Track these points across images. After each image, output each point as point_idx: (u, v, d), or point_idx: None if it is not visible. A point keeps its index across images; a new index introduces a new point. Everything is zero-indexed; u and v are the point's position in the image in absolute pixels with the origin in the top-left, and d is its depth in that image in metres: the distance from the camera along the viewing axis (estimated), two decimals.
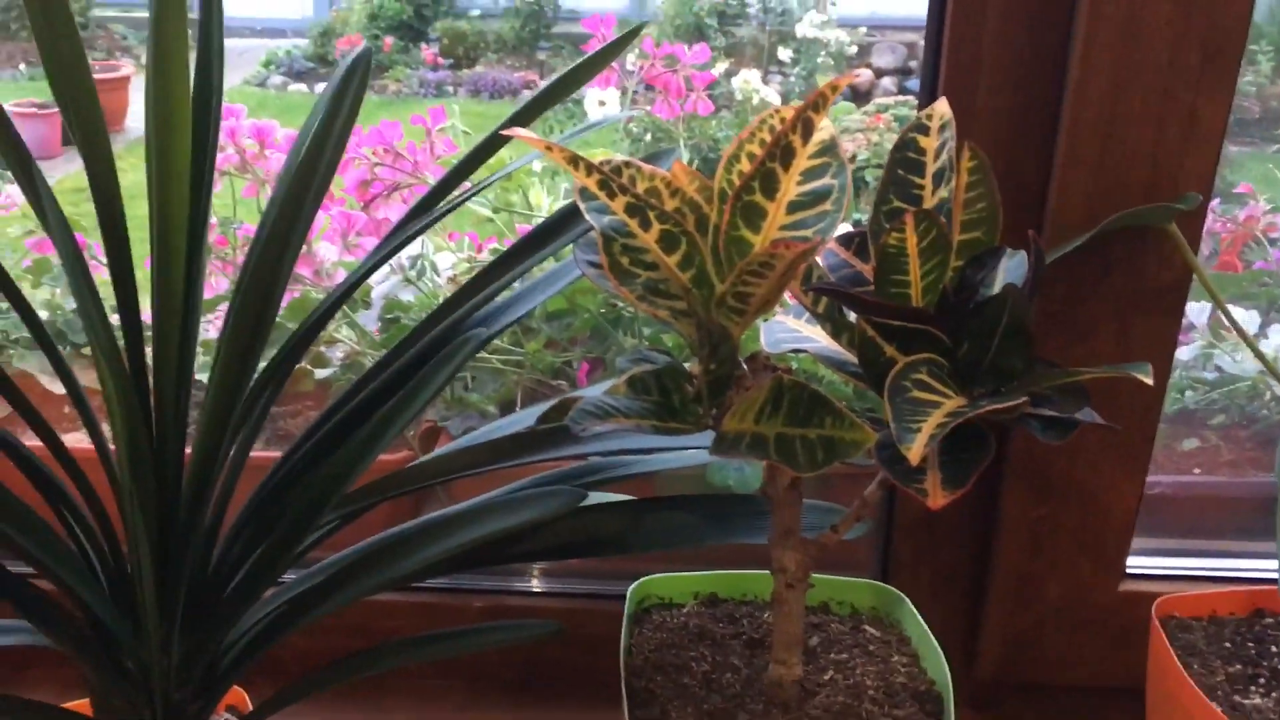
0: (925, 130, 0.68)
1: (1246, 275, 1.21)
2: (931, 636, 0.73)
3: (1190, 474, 1.06)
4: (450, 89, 5.95)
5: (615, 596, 0.94)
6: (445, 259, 1.03)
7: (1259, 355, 0.81)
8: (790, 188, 0.61)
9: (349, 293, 0.66)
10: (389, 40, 6.23)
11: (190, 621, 0.65)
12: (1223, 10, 0.70)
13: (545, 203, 1.03)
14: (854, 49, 5.79)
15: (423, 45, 6.28)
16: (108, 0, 6.27)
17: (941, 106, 0.68)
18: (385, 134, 1.00)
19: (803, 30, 5.72)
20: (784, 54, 5.70)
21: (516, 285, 0.75)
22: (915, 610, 0.76)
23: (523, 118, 0.72)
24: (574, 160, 0.59)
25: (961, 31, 0.77)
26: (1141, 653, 0.86)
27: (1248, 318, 1.07)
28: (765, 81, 4.83)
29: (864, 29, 6.11)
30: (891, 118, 4.26)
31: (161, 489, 0.64)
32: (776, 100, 4.63)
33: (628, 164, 0.65)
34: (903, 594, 0.78)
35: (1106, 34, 0.72)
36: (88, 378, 1.09)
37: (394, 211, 0.99)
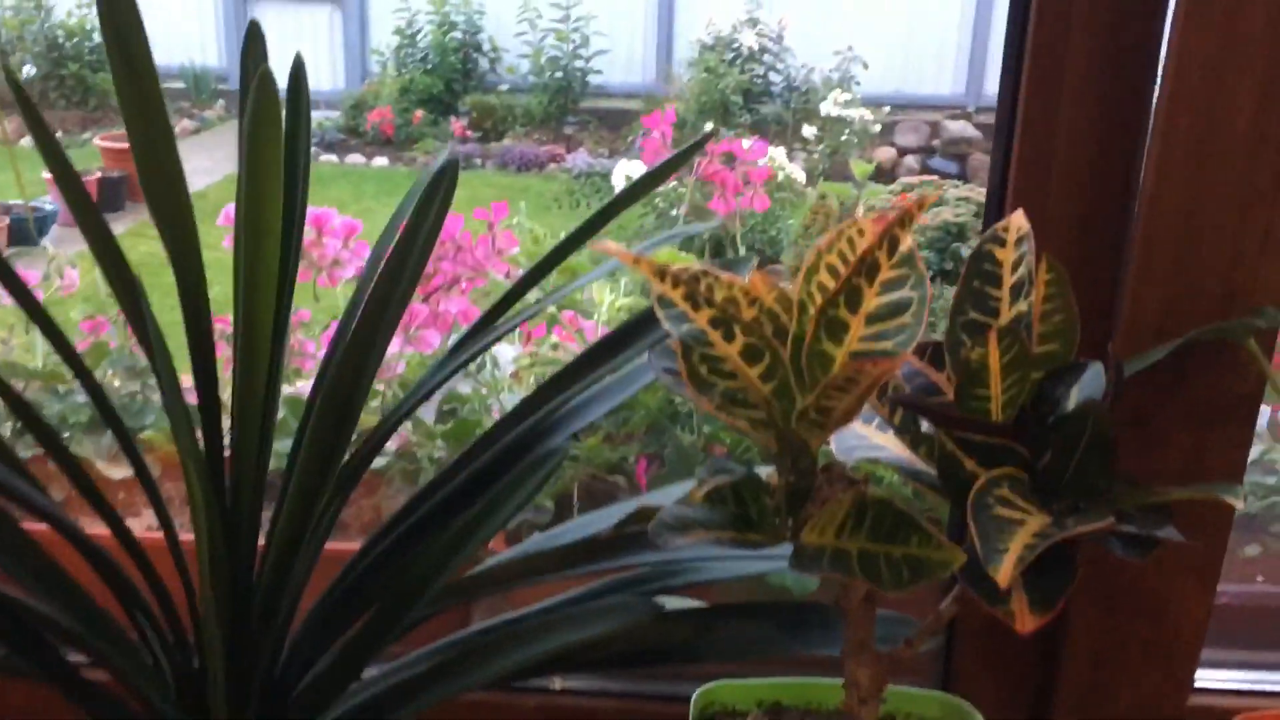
0: (1002, 242, 0.68)
1: None
2: None
3: (1254, 582, 1.05)
4: (479, 161, 6.04)
5: (673, 698, 0.93)
6: (503, 351, 1.03)
7: None
8: (872, 301, 0.61)
9: (427, 396, 0.66)
10: (419, 113, 6.34)
11: None
12: None
13: (607, 299, 1.03)
14: (878, 127, 5.86)
15: (452, 118, 6.39)
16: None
17: (1019, 219, 0.68)
18: (447, 226, 1.01)
19: (826, 108, 5.79)
20: (808, 131, 5.76)
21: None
22: None
23: (602, 219, 0.73)
24: (660, 273, 0.59)
25: (1032, 137, 0.77)
26: None
27: None
28: (790, 158, 4.88)
29: (887, 108, 6.18)
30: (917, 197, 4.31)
31: (236, 584, 0.64)
32: (802, 177, 4.67)
33: (705, 272, 0.65)
34: (971, 707, 0.77)
35: (1181, 148, 0.72)
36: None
37: (454, 305, 1.00)
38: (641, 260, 0.59)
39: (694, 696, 0.77)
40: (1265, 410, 1.07)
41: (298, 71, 0.67)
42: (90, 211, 0.59)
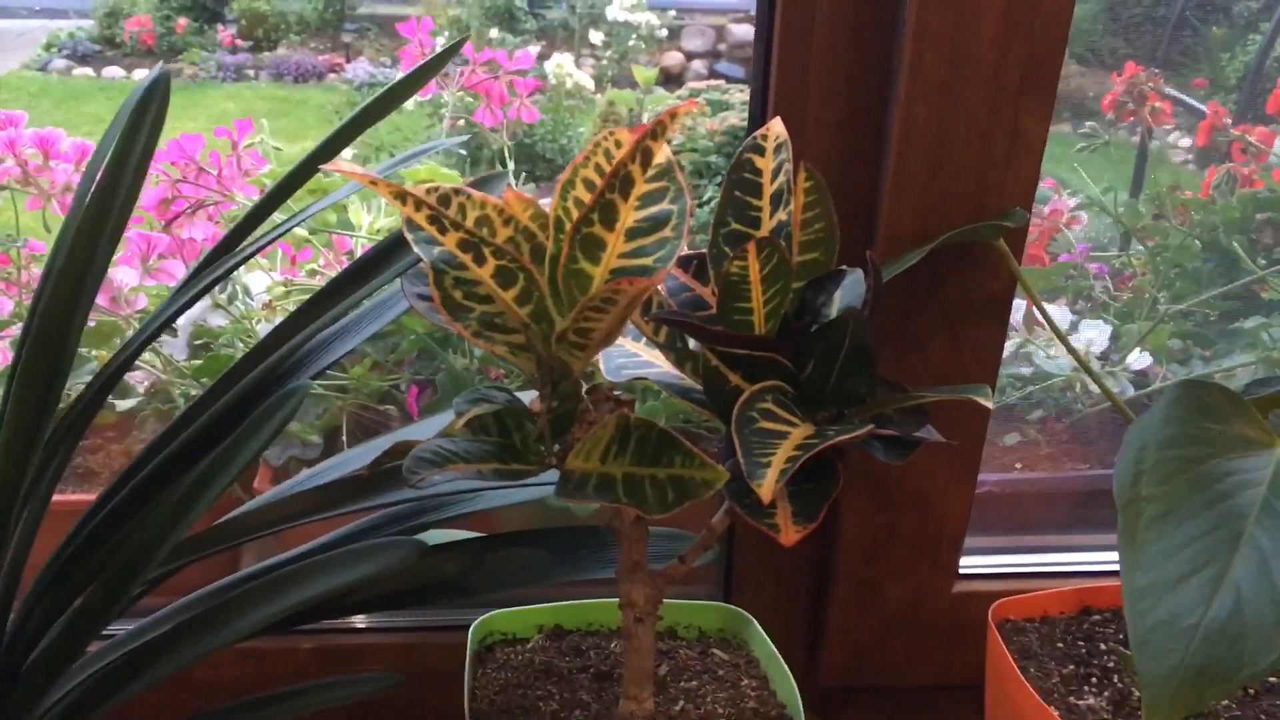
0: (761, 151, 0.67)
1: (1054, 268, 1.26)
2: (780, 658, 0.73)
3: (1013, 469, 1.10)
4: (251, 72, 5.69)
5: (454, 627, 0.91)
6: (258, 279, 0.97)
7: (1074, 353, 0.83)
8: (629, 216, 0.59)
9: (160, 331, 0.61)
10: (182, 22, 5.90)
11: None
12: (1043, 27, 0.71)
13: (365, 220, 0.98)
14: (664, 32, 5.83)
15: (219, 26, 5.99)
16: None
17: (777, 127, 0.66)
18: (187, 147, 0.93)
19: (613, 13, 5.70)
20: (595, 37, 5.68)
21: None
22: (763, 631, 0.76)
23: (343, 137, 0.68)
24: (401, 196, 0.55)
25: (790, 45, 0.76)
26: (977, 651, 0.88)
27: (1060, 314, 1.11)
28: (578, 65, 4.81)
29: (673, 12, 6.14)
30: (704, 102, 4.31)
31: None
32: (589, 84, 4.61)
33: (457, 191, 0.61)
34: (749, 615, 0.78)
35: (931, 53, 0.72)
36: None
37: (199, 231, 0.93)
38: (380, 182, 0.55)
39: (471, 628, 0.76)
40: (1020, 305, 1.11)
41: None
42: None
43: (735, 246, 0.66)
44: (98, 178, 0.56)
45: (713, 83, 4.95)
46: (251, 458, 0.54)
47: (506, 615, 0.77)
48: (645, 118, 2.90)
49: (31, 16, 6.10)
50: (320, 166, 0.57)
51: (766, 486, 0.56)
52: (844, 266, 0.66)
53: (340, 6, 6.06)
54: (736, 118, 4.16)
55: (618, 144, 0.64)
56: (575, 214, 0.62)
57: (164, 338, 0.92)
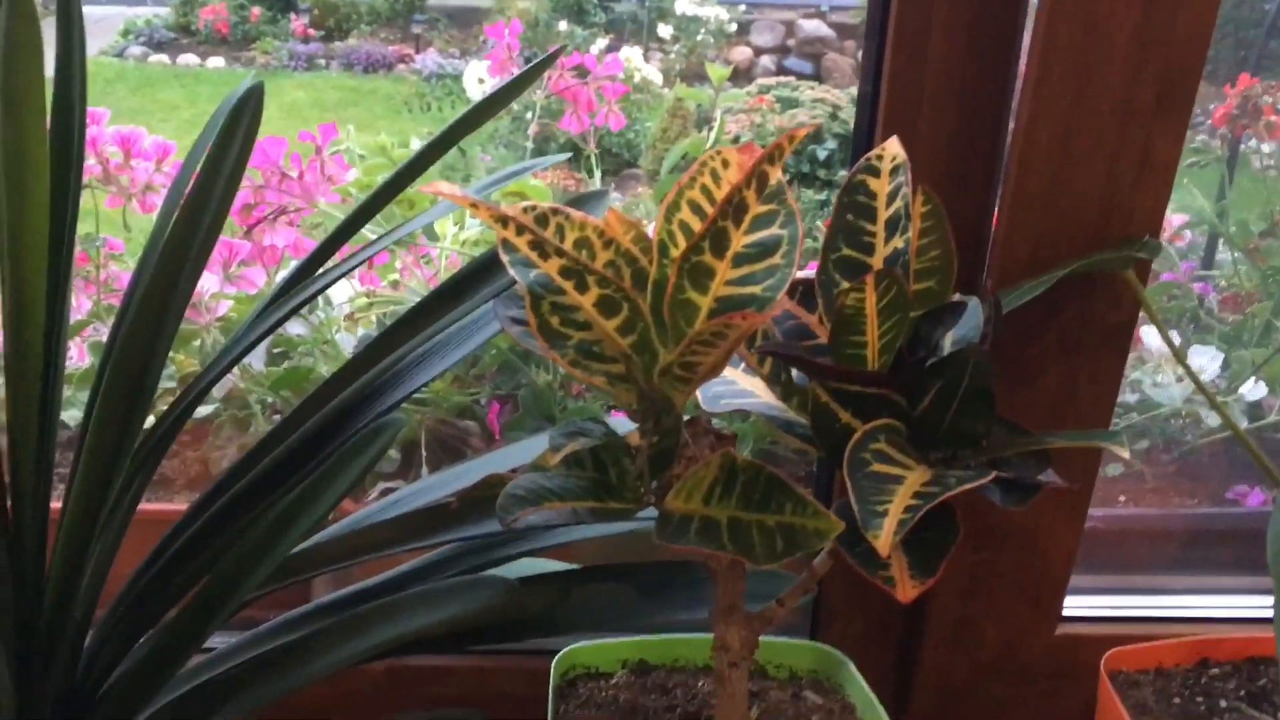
0: (876, 172, 0.63)
1: (1157, 288, 1.20)
2: (879, 707, 0.69)
3: (1117, 502, 1.05)
4: (322, 62, 5.72)
5: (531, 652, 0.88)
6: (338, 288, 0.95)
7: (1200, 386, 0.78)
8: (739, 241, 0.56)
9: (251, 348, 0.58)
10: (256, 11, 5.96)
11: None
12: (1181, 41, 0.66)
13: (450, 230, 0.95)
14: (733, 27, 5.77)
15: (292, 16, 6.03)
16: None
17: (894, 147, 0.62)
18: (270, 151, 0.91)
19: (682, 7, 5.66)
20: (664, 31, 5.64)
21: None
22: (858, 674, 0.72)
23: (438, 148, 0.65)
24: (502, 220, 0.52)
25: (903, 55, 0.72)
26: (1079, 698, 0.84)
27: (1159, 339, 1.05)
28: (646, 59, 4.78)
29: (743, 7, 6.09)
30: (774, 99, 4.26)
31: (24, 576, 0.56)
32: (658, 79, 4.57)
33: (555, 211, 0.58)
34: (845, 657, 0.74)
35: (1060, 64, 0.68)
36: None
37: (280, 237, 0.91)
38: (480, 205, 0.52)
39: (555, 661, 0.73)
40: None
41: None
42: None
43: (846, 272, 0.63)
44: (189, 188, 0.54)
45: (782, 79, 4.89)
46: (341, 495, 0.51)
47: (590, 649, 0.74)
48: (718, 115, 2.86)
49: (109, 3, 6.19)
50: (420, 189, 0.54)
51: (884, 539, 0.52)
52: (959, 297, 0.62)
53: None
54: (805, 115, 4.10)
55: (724, 164, 0.60)
56: (680, 237, 0.58)
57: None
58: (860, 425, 0.58)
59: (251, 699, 0.55)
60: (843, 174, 3.49)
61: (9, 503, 0.55)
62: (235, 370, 0.93)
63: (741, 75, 5.65)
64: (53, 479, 0.59)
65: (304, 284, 0.64)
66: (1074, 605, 0.87)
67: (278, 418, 0.96)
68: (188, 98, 5.02)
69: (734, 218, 0.54)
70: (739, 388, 0.67)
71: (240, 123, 0.54)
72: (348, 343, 0.91)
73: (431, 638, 0.61)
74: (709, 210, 0.58)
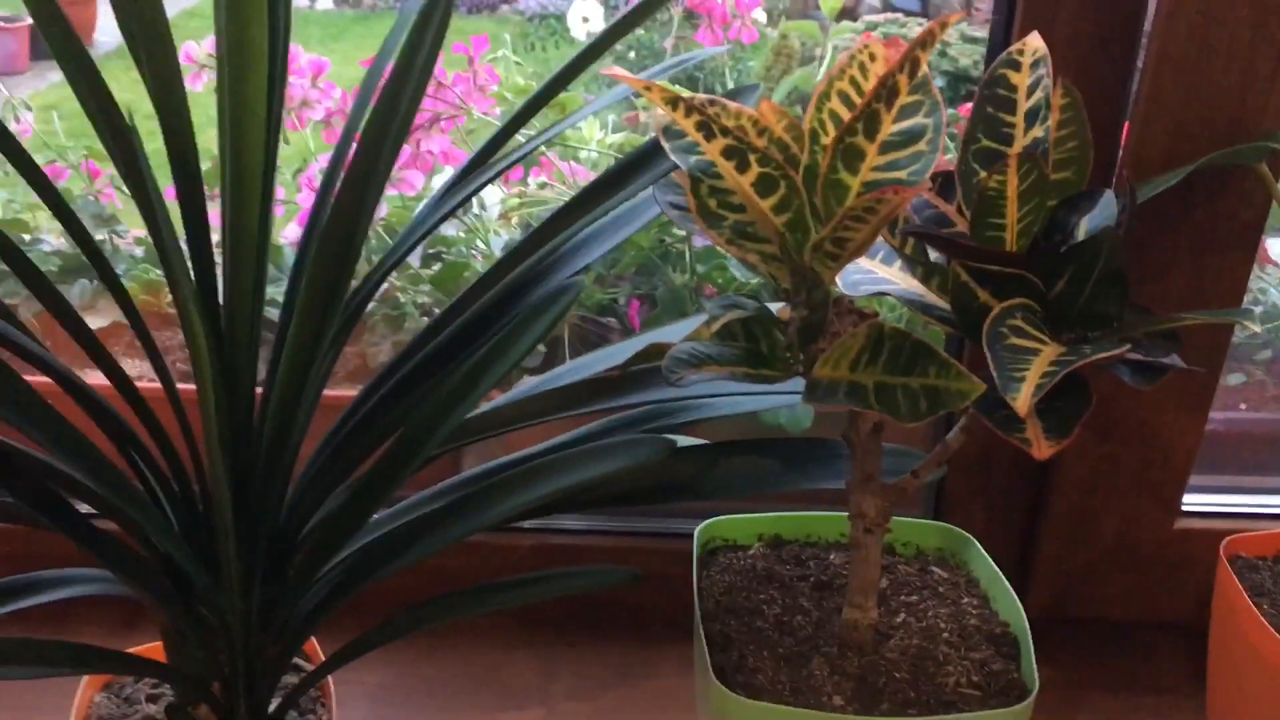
0: (1017, 66, 0.66)
1: None
2: (1003, 579, 0.73)
3: (1238, 408, 1.06)
4: None
5: (664, 534, 0.94)
6: (490, 192, 1.00)
7: None
8: (888, 128, 0.60)
9: (422, 239, 0.64)
10: None
11: (270, 567, 0.64)
12: None
13: (596, 135, 1.00)
14: None
15: None
16: None
17: (1035, 41, 0.65)
18: None
19: None
20: None
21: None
22: (984, 552, 0.76)
23: (591, 54, 0.69)
24: (673, 101, 0.57)
25: None
26: (1195, 590, 0.87)
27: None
28: None
29: None
30: (880, 35, 4.22)
31: (238, 428, 0.63)
32: (762, 17, 4.55)
33: (712, 101, 0.62)
34: (970, 536, 0.78)
35: None
36: (114, 313, 1.07)
37: (435, 144, 0.96)
38: (654, 87, 0.57)
39: (697, 531, 0.78)
40: None
41: None
42: (71, 41, 0.55)
43: (985, 163, 0.66)
44: (381, 85, 0.59)
45: (890, 15, 4.82)
46: (534, 343, 0.57)
47: (729, 522, 0.79)
48: (829, 49, 2.85)
49: None
50: (601, 71, 0.59)
51: (1023, 400, 0.56)
52: (1094, 187, 0.65)
53: None
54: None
55: (872, 56, 0.64)
56: (830, 125, 0.62)
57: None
58: (998, 304, 0.62)
59: (434, 542, 0.62)
60: (951, 111, 3.45)
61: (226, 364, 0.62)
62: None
63: (846, 14, 5.57)
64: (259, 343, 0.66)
65: (465, 184, 0.69)
66: (1193, 502, 0.89)
67: (425, 320, 1.02)
68: (297, 39, 5.13)
69: (886, 100, 0.58)
70: (877, 275, 0.71)
71: (431, 20, 0.60)
72: (499, 243, 0.97)
73: (593, 494, 0.67)
74: (857, 100, 0.62)
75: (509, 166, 0.69)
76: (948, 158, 0.69)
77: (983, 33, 4.45)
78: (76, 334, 0.65)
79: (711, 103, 0.62)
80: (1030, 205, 0.62)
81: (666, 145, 0.61)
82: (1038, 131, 0.65)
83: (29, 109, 1.11)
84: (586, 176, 1.00)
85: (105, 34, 4.52)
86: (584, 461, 0.63)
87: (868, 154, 0.59)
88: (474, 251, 0.97)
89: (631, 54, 3.91)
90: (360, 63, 1.04)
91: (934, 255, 0.67)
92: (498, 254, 0.96)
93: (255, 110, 0.58)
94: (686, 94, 0.59)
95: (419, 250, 0.97)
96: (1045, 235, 0.65)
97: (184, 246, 0.63)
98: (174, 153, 0.61)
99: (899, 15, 4.86)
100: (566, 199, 0.73)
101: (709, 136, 0.58)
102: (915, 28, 4.62)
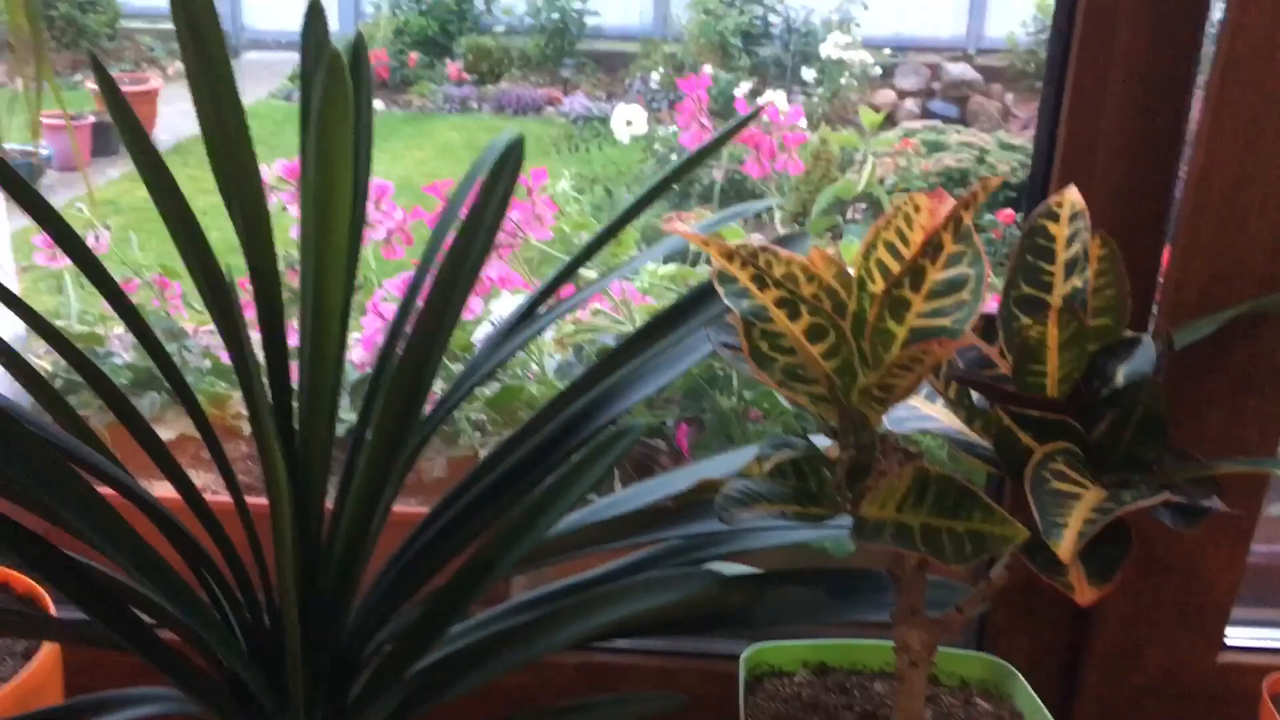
0: (1055, 217, 0.69)
1: None
2: (1047, 712, 0.74)
3: None
4: (474, 104, 5.98)
5: (710, 655, 0.95)
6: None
7: None
8: (932, 278, 0.63)
9: (489, 375, 0.68)
10: (414, 56, 6.27)
11: (334, 686, 0.66)
12: None
13: (650, 266, 1.04)
14: (878, 70, 5.81)
15: (447, 60, 6.31)
16: (136, 11, 6.31)
17: (1073, 195, 0.69)
18: None
19: (826, 51, 5.73)
20: (807, 73, 5.71)
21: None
22: (1029, 686, 0.77)
23: (652, 196, 0.74)
24: (729, 255, 0.60)
25: (1081, 108, 0.78)
26: None
27: None
28: (789, 102, 4.87)
29: (888, 50, 6.12)
30: (919, 142, 4.28)
31: (309, 546, 0.66)
32: (802, 121, 4.63)
33: (764, 249, 0.66)
34: (1014, 668, 0.79)
35: (1232, 121, 0.73)
36: (182, 425, 1.11)
37: (493, 270, 1.01)
38: (712, 242, 0.60)
39: (743, 657, 0.80)
40: None
41: (358, 46, 0.67)
42: (159, 168, 0.59)
43: (1026, 309, 0.69)
44: (463, 220, 0.63)
45: (927, 123, 4.91)
46: (590, 485, 0.59)
47: (774, 649, 0.81)
48: (869, 159, 2.92)
49: (279, 49, 6.59)
50: (663, 226, 0.62)
51: (1065, 548, 0.58)
52: (1131, 333, 0.68)
53: (561, 43, 6.31)
54: (951, 159, 4.11)
55: (916, 208, 0.67)
56: (877, 274, 0.65)
57: (456, 364, 1.01)
58: (1040, 447, 0.64)
59: (499, 666, 0.64)
60: (989, 216, 3.49)
61: (299, 489, 0.65)
62: (440, 385, 1.04)
63: (886, 118, 5.67)
64: (330, 463, 0.69)
65: (531, 315, 0.73)
66: (1236, 636, 0.90)
67: (479, 434, 1.06)
68: None
69: (931, 256, 0.61)
70: (921, 413, 0.74)
71: (504, 169, 0.64)
72: (552, 365, 1.01)
73: (645, 623, 0.69)
74: (902, 250, 0.65)
75: (577, 303, 0.73)
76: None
77: (1020, 140, 4.49)
78: (149, 447, 0.69)
79: (764, 250, 0.66)
80: (1071, 354, 0.65)
81: (721, 290, 0.64)
82: (1076, 281, 0.68)
83: (108, 228, 1.16)
84: (638, 298, 1.04)
85: (165, 130, 4.69)
86: (639, 593, 0.65)
87: (913, 304, 0.62)
88: (528, 374, 1.01)
89: (673, 155, 4.00)
90: (423, 187, 1.10)
91: (977, 397, 0.69)
92: (552, 375, 1.00)
93: (338, 256, 0.62)
94: (741, 247, 0.62)
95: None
96: (1086, 381, 0.67)
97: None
98: (259, 288, 0.65)
99: (937, 122, 4.92)
100: (619, 322, 0.76)
101: (762, 287, 0.61)
102: (953, 135, 4.68)
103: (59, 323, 1.18)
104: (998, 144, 4.41)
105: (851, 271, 0.66)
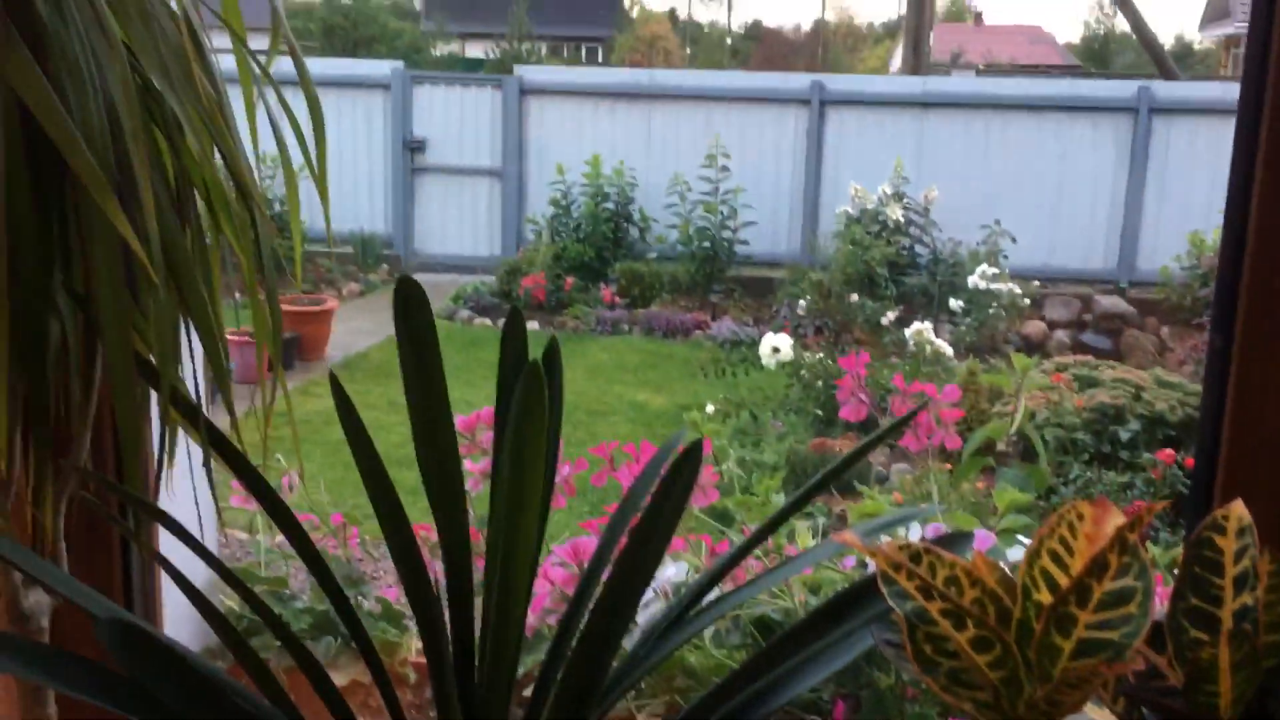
0: (1222, 531, 0.70)
1: None
2: None
3: None
4: (625, 327, 6.18)
5: None
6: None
7: None
8: (1099, 592, 0.64)
9: (669, 655, 0.70)
10: (570, 280, 6.56)
11: None
12: None
13: (810, 541, 1.07)
14: (1026, 301, 5.80)
15: (602, 284, 6.58)
16: (317, 234, 6.84)
17: (1239, 510, 0.69)
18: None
19: (974, 281, 5.77)
20: (955, 303, 5.74)
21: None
22: None
23: (823, 484, 0.77)
24: (896, 566, 0.63)
25: (1244, 415, 0.79)
26: None
27: None
28: (937, 332, 4.86)
29: (1036, 281, 6.12)
30: (1071, 377, 4.24)
31: None
32: (948, 351, 4.62)
33: (927, 550, 0.68)
34: None
35: None
36: (355, 671, 1.16)
37: None
38: (878, 554, 0.63)
39: None
40: None
41: (551, 351, 0.74)
42: (357, 427, 0.65)
43: (1195, 621, 0.69)
44: (639, 515, 0.68)
45: (1080, 357, 4.85)
46: None
47: None
48: (1021, 400, 2.92)
49: (444, 271, 7.00)
50: (833, 537, 0.66)
51: None
52: None
53: (711, 270, 6.53)
54: (1106, 395, 4.04)
55: (1080, 516, 0.69)
56: (1041, 582, 0.67)
57: None
58: None
59: None
60: (1147, 455, 3.38)
61: None
62: None
63: (1035, 348, 5.63)
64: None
65: (700, 604, 0.76)
66: None
67: (632, 693, 1.08)
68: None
69: (1097, 575, 0.62)
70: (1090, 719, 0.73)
71: (680, 474, 0.69)
72: (709, 632, 1.03)
73: None
74: (1066, 559, 0.67)
75: (753, 593, 0.76)
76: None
77: (1177, 377, 4.38)
78: (325, 694, 0.73)
79: (928, 551, 0.68)
80: (1244, 674, 0.64)
81: (885, 591, 0.66)
82: (1246, 599, 0.68)
83: (301, 479, 1.25)
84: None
85: (335, 347, 4.98)
86: None
87: (1079, 619, 0.63)
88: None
89: (819, 382, 4.04)
90: (590, 449, 1.16)
91: (1148, 714, 0.69)
92: (709, 642, 1.02)
93: (526, 547, 0.67)
94: (905, 549, 0.65)
95: (635, 637, 1.04)
96: (1259, 699, 0.66)
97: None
98: (450, 565, 0.70)
99: (1089, 357, 4.87)
100: (777, 598, 0.78)
101: (928, 599, 0.63)
102: (1106, 370, 4.60)
103: (249, 558, 1.26)
104: (1154, 381, 4.32)
105: (1015, 577, 0.68)
